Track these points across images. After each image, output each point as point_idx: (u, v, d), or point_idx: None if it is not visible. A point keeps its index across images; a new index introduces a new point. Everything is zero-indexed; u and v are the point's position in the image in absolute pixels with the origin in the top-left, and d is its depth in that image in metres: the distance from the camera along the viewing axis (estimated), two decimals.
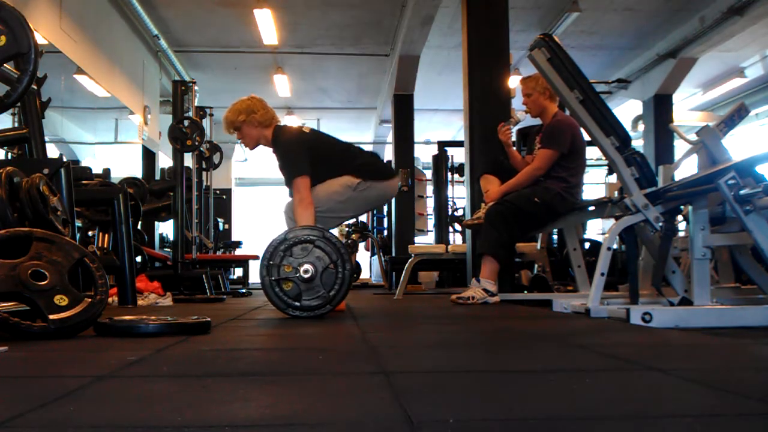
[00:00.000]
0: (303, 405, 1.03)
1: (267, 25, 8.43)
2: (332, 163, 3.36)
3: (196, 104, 6.22)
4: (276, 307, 2.79)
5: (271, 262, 2.77)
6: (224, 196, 12.82)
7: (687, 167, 3.70)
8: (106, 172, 6.05)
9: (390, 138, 11.14)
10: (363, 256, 11.21)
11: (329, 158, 3.37)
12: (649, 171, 2.93)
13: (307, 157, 3.31)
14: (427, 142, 14.18)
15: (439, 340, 2.08)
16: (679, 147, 9.51)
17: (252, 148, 3.55)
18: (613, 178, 6.56)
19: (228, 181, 15.02)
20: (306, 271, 2.75)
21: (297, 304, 2.77)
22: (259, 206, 17.05)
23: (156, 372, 1.37)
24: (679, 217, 3.13)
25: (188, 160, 6.18)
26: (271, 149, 3.51)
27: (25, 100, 3.29)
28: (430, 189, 9.52)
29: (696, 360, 1.60)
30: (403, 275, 5.16)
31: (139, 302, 3.89)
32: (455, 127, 14.28)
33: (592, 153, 7.44)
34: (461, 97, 5.19)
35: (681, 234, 3.34)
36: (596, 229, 9.50)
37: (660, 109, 10.05)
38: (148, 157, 9.03)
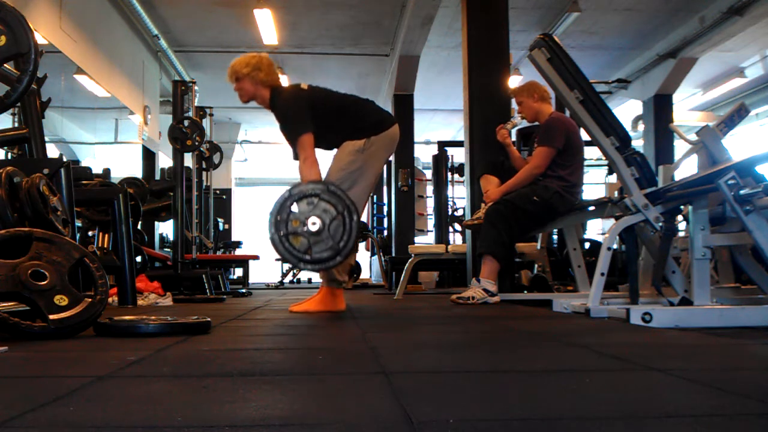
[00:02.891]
0: (303, 405, 1.03)
1: (267, 25, 8.42)
2: (332, 127, 3.30)
3: (196, 104, 6.22)
4: (287, 262, 2.77)
5: (278, 218, 2.76)
6: (224, 196, 12.82)
7: (687, 167, 3.71)
8: (106, 172, 6.05)
9: None
10: (363, 256, 11.21)
11: (329, 119, 3.30)
12: (649, 171, 2.93)
13: (309, 116, 3.25)
14: (427, 142, 14.19)
15: (439, 340, 2.08)
16: (679, 147, 9.51)
17: (244, 102, 3.50)
18: (613, 178, 6.55)
19: (228, 181, 15.02)
20: (314, 223, 2.74)
21: (308, 257, 2.76)
22: (259, 206, 17.05)
23: (156, 372, 1.37)
24: (679, 217, 3.13)
25: (188, 160, 6.18)
26: (264, 107, 3.46)
27: (25, 100, 3.29)
28: (430, 189, 9.51)
29: (696, 360, 1.60)
30: (403, 275, 5.16)
31: (139, 302, 3.89)
32: (455, 127, 14.28)
33: (592, 153, 7.46)
34: (461, 97, 5.19)
35: (681, 234, 3.34)
36: (596, 229, 9.50)
37: (660, 109, 10.05)
38: (148, 157, 9.03)
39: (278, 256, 2.82)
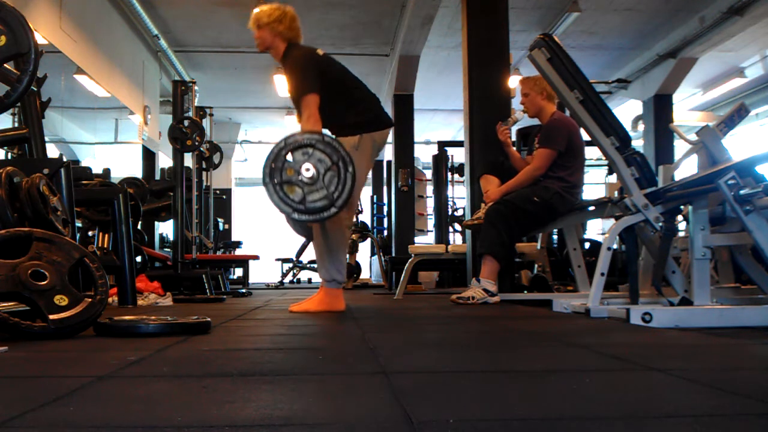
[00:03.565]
0: (302, 405, 1.03)
1: None
2: (333, 102, 3.25)
3: (196, 104, 6.22)
4: (281, 211, 2.76)
5: (273, 166, 2.75)
6: (224, 196, 12.82)
7: (687, 167, 3.70)
8: (106, 172, 6.06)
9: (390, 138, 11.13)
10: (363, 256, 11.21)
11: (333, 92, 3.26)
12: (649, 171, 2.93)
13: (318, 79, 3.23)
14: (427, 142, 14.19)
15: (439, 340, 2.08)
16: (679, 147, 9.51)
17: (260, 50, 3.51)
18: (613, 178, 6.55)
19: (228, 181, 15.02)
20: (307, 169, 2.73)
21: (302, 207, 2.75)
22: (259, 206, 17.05)
23: (156, 372, 1.37)
24: (679, 217, 3.12)
25: (188, 160, 6.18)
26: (276, 60, 3.45)
27: (25, 100, 3.30)
28: (430, 189, 9.51)
29: (696, 360, 1.60)
30: (403, 275, 5.16)
31: (139, 302, 3.89)
32: (455, 127, 14.28)
33: (592, 153, 7.46)
34: (461, 97, 5.19)
35: (681, 234, 3.34)
36: (596, 229, 9.50)
37: (660, 109, 10.04)
38: (148, 157, 9.03)
39: (273, 205, 2.78)
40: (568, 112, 3.97)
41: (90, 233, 4.91)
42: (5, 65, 2.27)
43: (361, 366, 1.46)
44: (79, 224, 4.57)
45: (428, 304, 4.23)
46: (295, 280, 10.69)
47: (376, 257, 10.51)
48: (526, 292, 4.73)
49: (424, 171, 10.48)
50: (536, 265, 4.87)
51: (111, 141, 9.27)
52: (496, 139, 4.33)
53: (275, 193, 2.74)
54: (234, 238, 12.97)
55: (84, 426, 0.89)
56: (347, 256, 3.55)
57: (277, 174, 2.74)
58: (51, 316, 1.90)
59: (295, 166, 2.74)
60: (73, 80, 7.30)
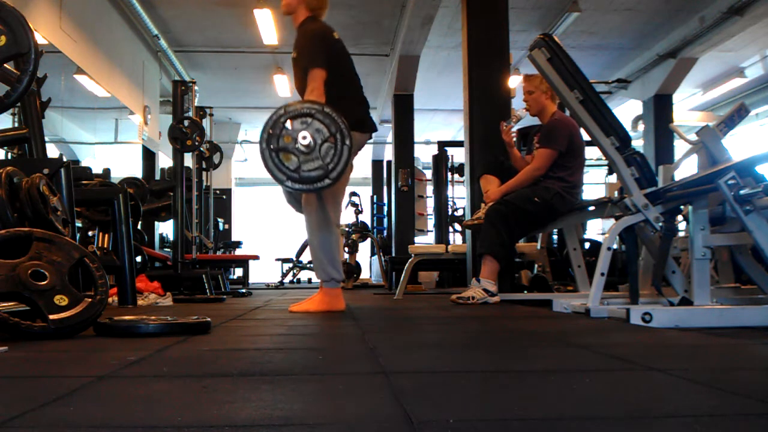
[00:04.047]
0: (302, 405, 1.03)
1: (267, 25, 8.41)
2: (329, 88, 3.23)
3: (196, 104, 6.22)
4: (275, 179, 2.75)
5: (271, 132, 2.74)
6: (224, 196, 12.82)
7: (687, 167, 3.70)
8: (106, 172, 6.06)
9: (390, 138, 11.14)
10: (363, 256, 11.21)
11: (333, 78, 3.25)
12: (649, 171, 2.93)
13: (326, 56, 3.24)
14: (427, 142, 14.18)
15: (439, 340, 2.08)
16: (679, 147, 9.51)
17: (283, 12, 3.55)
18: (613, 178, 6.55)
19: (228, 181, 15.02)
20: (304, 137, 2.72)
21: (296, 175, 2.74)
22: (259, 206, 17.06)
23: (156, 372, 1.37)
24: (679, 217, 3.12)
25: (188, 160, 6.18)
26: (294, 25, 3.49)
27: (25, 100, 3.29)
28: (430, 189, 9.51)
29: (696, 360, 1.60)
30: (403, 275, 5.16)
31: (139, 302, 3.89)
32: (455, 127, 14.28)
33: (592, 153, 7.46)
34: (461, 97, 5.19)
35: (681, 234, 3.34)
36: (596, 229, 9.50)
37: (660, 109, 10.04)
38: (148, 157, 9.03)
39: (267, 172, 2.77)
40: (568, 112, 3.97)
41: (90, 233, 4.91)
42: (5, 65, 2.27)
43: (361, 366, 1.46)
44: (79, 224, 4.57)
45: (428, 304, 4.23)
46: (295, 280, 10.69)
47: (376, 257, 10.51)
48: (526, 292, 4.73)
49: (424, 171, 10.48)
50: (536, 265, 4.87)
51: (111, 141, 9.28)
52: (498, 138, 4.32)
53: (270, 159, 2.73)
54: (234, 238, 12.97)
55: (84, 426, 0.89)
56: (346, 255, 3.55)
57: (274, 140, 2.73)
58: (51, 316, 1.90)
59: (293, 134, 2.73)
60: (73, 80, 7.30)
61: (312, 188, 2.77)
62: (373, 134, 3.66)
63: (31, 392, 1.16)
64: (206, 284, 5.42)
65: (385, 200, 11.70)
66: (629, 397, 1.10)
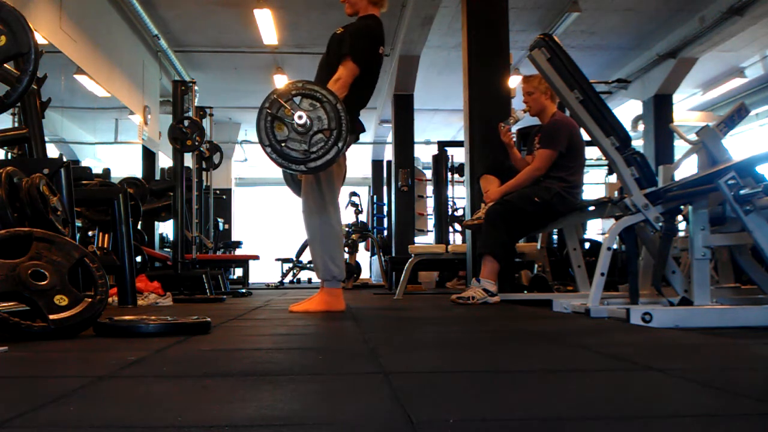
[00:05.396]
0: (303, 405, 1.03)
1: (267, 25, 8.42)
2: (351, 91, 3.19)
3: (196, 104, 6.22)
4: (258, 139, 2.76)
5: (275, 96, 2.76)
6: (224, 196, 12.82)
7: (687, 167, 3.71)
8: (106, 172, 6.06)
9: (390, 138, 11.14)
10: (363, 256, 11.21)
11: (357, 83, 3.22)
12: (649, 171, 2.93)
13: (367, 60, 3.21)
14: (427, 142, 14.17)
15: (439, 340, 2.08)
16: (679, 147, 9.51)
17: (348, 14, 3.45)
18: (613, 178, 6.56)
19: (228, 181, 15.02)
20: (300, 117, 2.72)
21: (278, 147, 2.74)
22: (259, 206, 17.07)
23: (156, 372, 1.37)
24: (679, 217, 3.12)
25: (188, 160, 6.17)
26: (347, 13, 3.42)
27: (25, 100, 3.29)
28: (430, 189, 9.51)
29: (696, 360, 1.60)
30: (403, 275, 5.16)
31: (139, 302, 3.89)
32: (455, 127, 14.28)
33: (592, 153, 7.46)
34: (461, 97, 5.19)
35: (681, 234, 3.34)
36: (596, 229, 9.50)
37: (660, 109, 10.04)
38: (148, 157, 9.03)
39: (255, 131, 2.79)
40: (568, 112, 3.97)
41: (90, 233, 4.91)
42: (5, 65, 2.27)
43: (361, 366, 1.46)
44: (79, 224, 4.57)
45: (428, 304, 4.23)
46: (295, 280, 10.69)
47: (376, 257, 10.51)
48: (526, 292, 4.73)
49: (424, 171, 10.48)
50: (536, 265, 4.88)
51: (111, 141, 9.28)
52: (497, 139, 4.32)
53: (264, 119, 2.74)
54: (234, 238, 12.96)
55: (84, 426, 0.89)
56: (346, 255, 3.54)
57: (275, 106, 2.74)
58: (51, 316, 1.90)
59: (295, 110, 2.74)
60: (73, 80, 7.30)
61: (284, 165, 2.77)
62: (373, 135, 3.65)
63: (31, 392, 1.16)
64: (206, 284, 5.42)
65: (385, 200, 11.70)
66: (629, 397, 1.10)
